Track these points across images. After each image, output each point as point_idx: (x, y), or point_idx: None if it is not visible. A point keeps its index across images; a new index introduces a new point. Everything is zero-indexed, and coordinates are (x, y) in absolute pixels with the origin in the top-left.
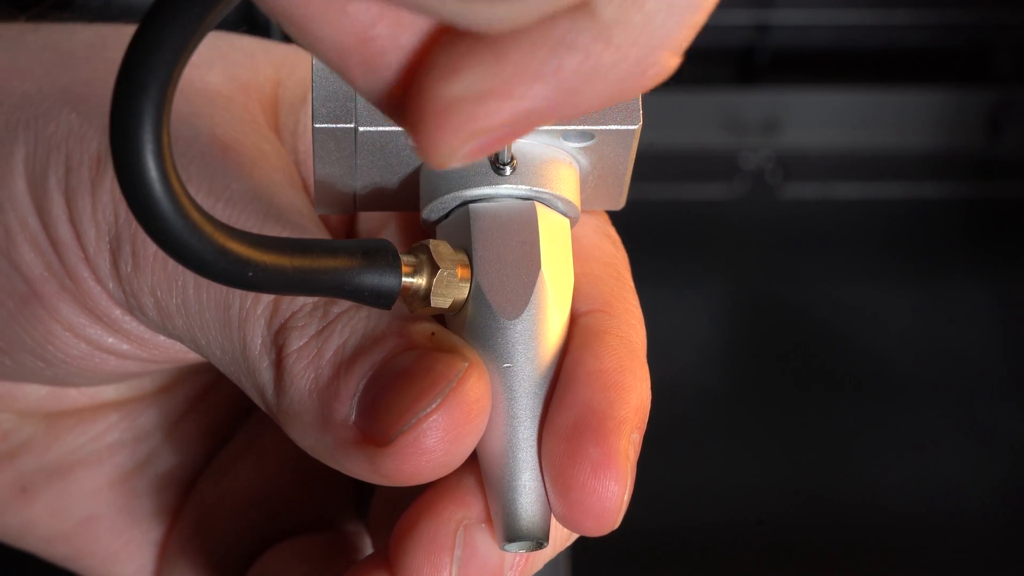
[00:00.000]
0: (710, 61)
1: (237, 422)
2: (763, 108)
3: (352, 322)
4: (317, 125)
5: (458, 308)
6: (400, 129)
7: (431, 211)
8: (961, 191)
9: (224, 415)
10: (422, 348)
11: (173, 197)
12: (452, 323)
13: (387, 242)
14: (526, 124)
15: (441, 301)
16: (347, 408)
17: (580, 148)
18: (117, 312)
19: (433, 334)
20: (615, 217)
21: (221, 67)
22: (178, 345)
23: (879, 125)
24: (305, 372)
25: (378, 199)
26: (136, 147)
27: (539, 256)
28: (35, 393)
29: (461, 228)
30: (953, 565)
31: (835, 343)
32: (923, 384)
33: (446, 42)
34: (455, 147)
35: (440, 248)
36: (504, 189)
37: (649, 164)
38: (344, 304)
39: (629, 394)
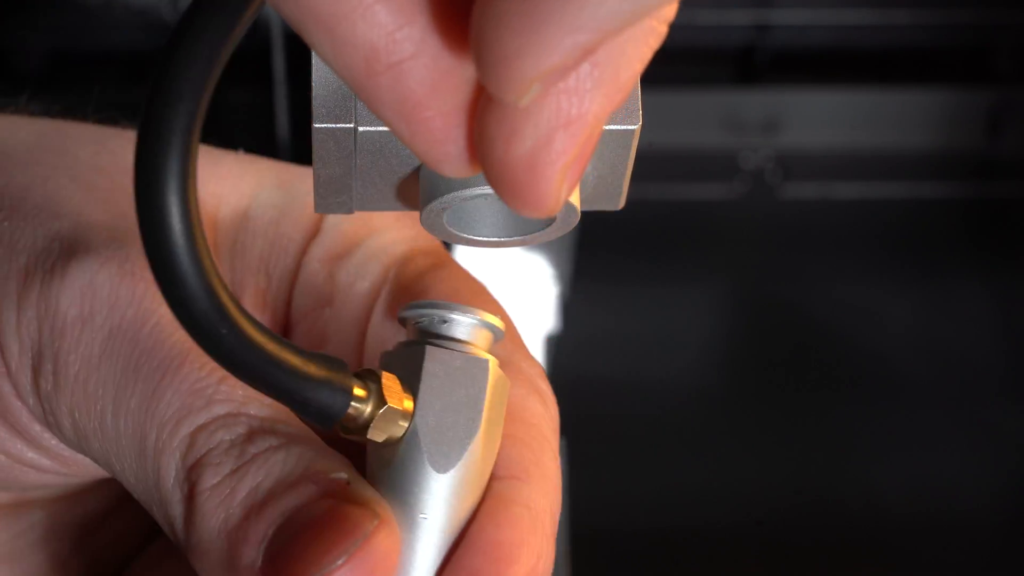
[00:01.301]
0: (710, 61)
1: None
2: (763, 108)
3: (268, 464)
4: (317, 125)
5: (387, 444)
6: None
7: (430, 212)
8: (961, 191)
9: (147, 518)
10: (335, 499)
11: (187, 216)
12: (375, 456)
13: (345, 363)
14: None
15: (377, 435)
16: (254, 552)
17: None
18: (37, 428)
19: (348, 483)
20: (615, 216)
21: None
22: (96, 465)
23: (879, 125)
24: (216, 512)
25: (378, 199)
26: (159, 156)
27: (481, 416)
28: None
29: (411, 365)
30: (953, 565)
31: (835, 343)
32: (923, 384)
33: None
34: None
35: (390, 382)
36: None
37: (649, 164)
38: (261, 444)
39: (518, 568)
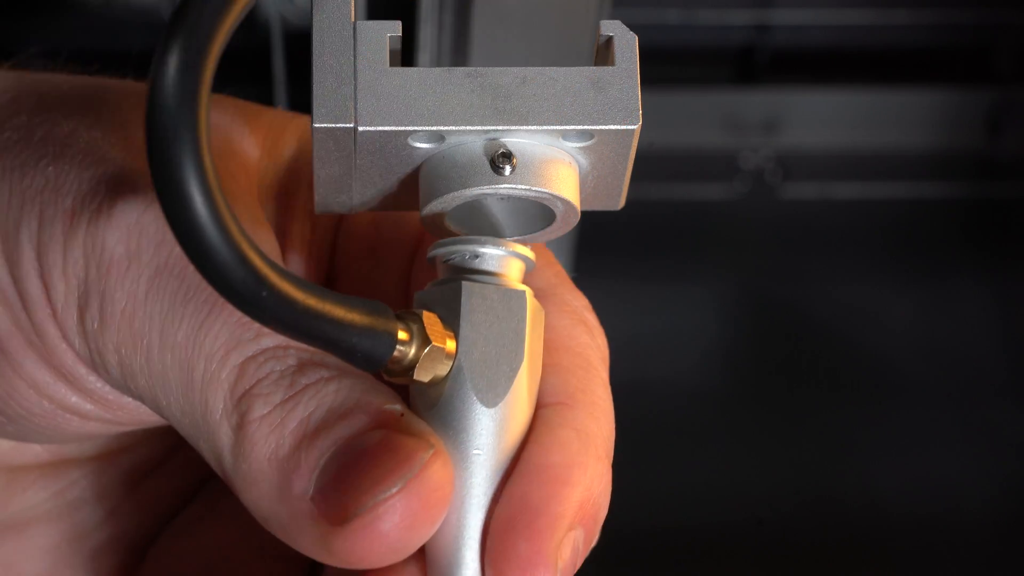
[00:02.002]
0: (710, 61)
1: (197, 487)
2: (763, 108)
3: (319, 395)
4: (316, 125)
5: (433, 385)
6: (399, 129)
7: (430, 211)
8: (961, 191)
9: (185, 479)
10: (388, 429)
11: (207, 190)
12: (420, 397)
13: (386, 306)
14: None
15: (424, 375)
16: (306, 482)
17: (579, 148)
18: (82, 370)
19: (402, 415)
20: (615, 216)
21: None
22: (142, 407)
23: (879, 125)
24: (266, 440)
25: (378, 199)
26: (175, 131)
27: (524, 347)
28: None
29: (450, 304)
30: (953, 565)
31: (835, 343)
32: (923, 384)
33: None
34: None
35: (431, 321)
36: (504, 188)
37: (649, 164)
38: (312, 375)
39: (572, 489)
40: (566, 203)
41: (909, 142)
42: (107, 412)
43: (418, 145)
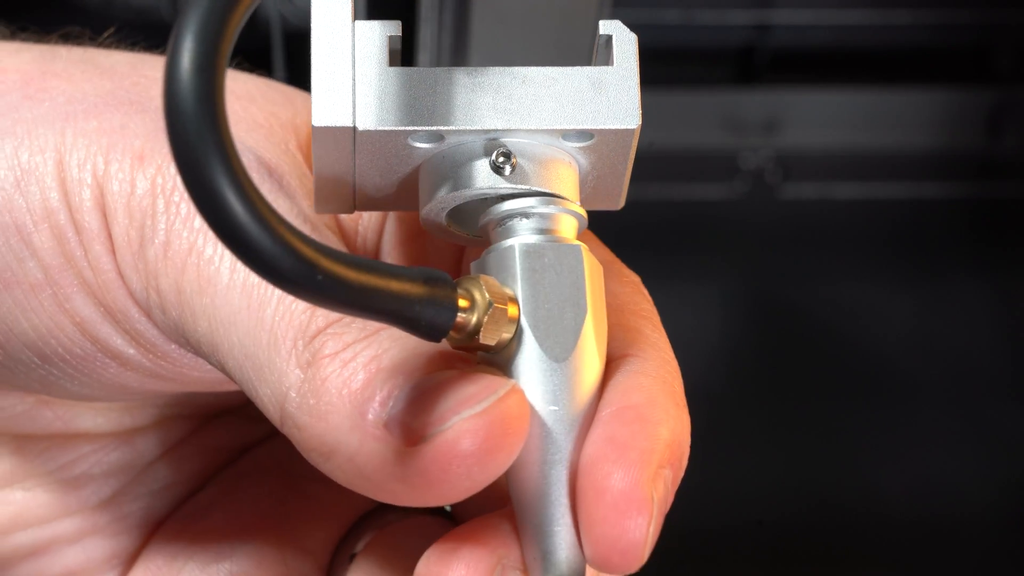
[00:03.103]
0: (710, 61)
1: (209, 475)
2: (763, 108)
3: (391, 337)
4: (316, 125)
5: (500, 348)
6: (399, 129)
7: (430, 211)
8: (961, 191)
9: (197, 467)
10: (465, 367)
11: (240, 187)
12: (489, 363)
13: (446, 274)
14: None
15: (490, 338)
16: (381, 409)
17: (579, 148)
18: (134, 310)
19: (477, 363)
20: (615, 216)
21: (261, 103)
22: (185, 357)
23: (879, 125)
24: (339, 374)
25: (377, 199)
26: (198, 129)
27: (586, 299)
28: (11, 409)
29: (506, 266)
30: (953, 565)
31: (835, 343)
32: (923, 384)
33: None
34: None
35: (491, 285)
36: (504, 188)
37: (649, 164)
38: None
39: (657, 427)
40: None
41: (909, 142)
42: (149, 360)
43: (418, 145)
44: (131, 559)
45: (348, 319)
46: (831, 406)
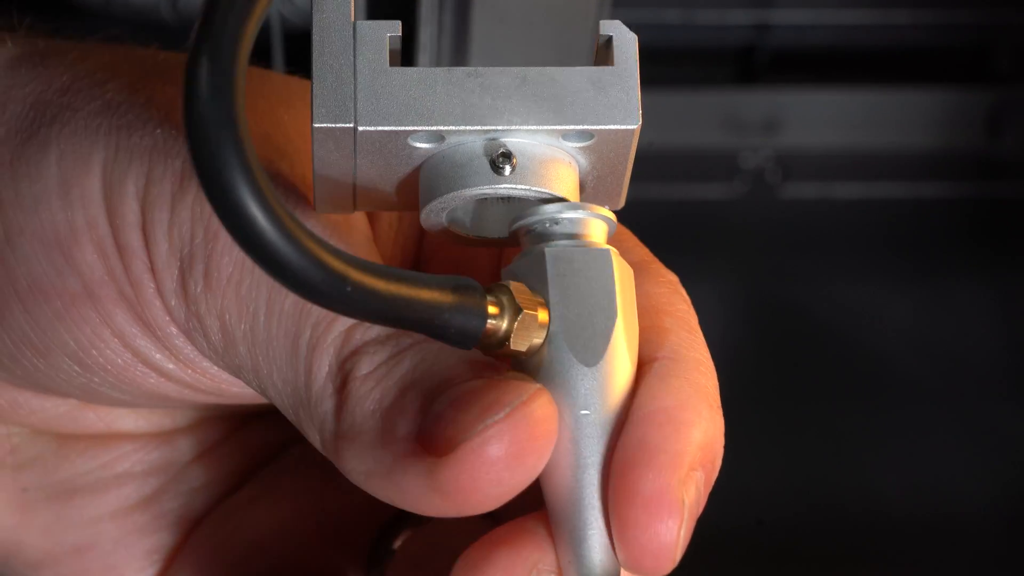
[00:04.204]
0: (710, 61)
1: (248, 474)
2: (763, 108)
3: (423, 351)
4: (316, 125)
5: (531, 353)
6: (399, 129)
7: (430, 211)
8: (961, 191)
9: (236, 465)
10: (492, 376)
11: (266, 204)
12: (522, 369)
13: (474, 281)
14: None
15: (520, 344)
16: (411, 423)
17: (579, 148)
18: (173, 330)
19: (507, 370)
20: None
21: (301, 106)
22: (224, 375)
23: (879, 125)
24: (371, 393)
25: (378, 199)
26: (222, 147)
27: (616, 303)
28: (54, 409)
29: (536, 272)
30: (954, 565)
31: (835, 343)
32: (923, 384)
33: None
34: None
35: (520, 291)
36: (504, 188)
37: (649, 164)
38: (416, 336)
39: (688, 429)
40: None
41: (909, 142)
42: (188, 375)
43: (418, 145)
44: (171, 556)
45: (383, 337)
46: (831, 406)
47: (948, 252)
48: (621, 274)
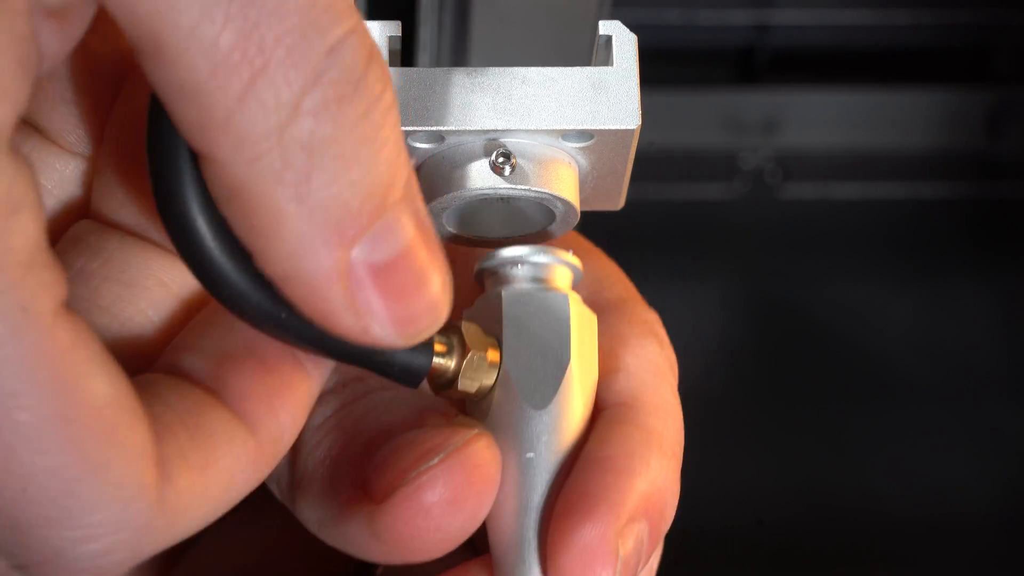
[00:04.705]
0: (710, 61)
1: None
2: (763, 108)
3: (375, 401)
4: None
5: (483, 395)
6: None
7: (430, 211)
8: (961, 191)
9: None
10: (438, 420)
11: (213, 219)
12: (474, 410)
13: None
14: None
15: (468, 385)
16: (355, 471)
17: (579, 148)
18: None
19: (455, 415)
20: (613, 217)
21: None
22: None
23: (879, 125)
24: (322, 442)
25: None
26: (178, 155)
27: (569, 348)
28: None
29: (492, 313)
30: (954, 565)
31: (835, 343)
32: (923, 384)
33: None
34: None
35: (471, 331)
36: (504, 189)
37: (649, 164)
38: (372, 385)
39: (631, 479)
40: (566, 203)
41: (909, 142)
42: None
43: (418, 145)
44: None
45: (335, 389)
46: (831, 406)
47: (948, 252)
48: (579, 319)
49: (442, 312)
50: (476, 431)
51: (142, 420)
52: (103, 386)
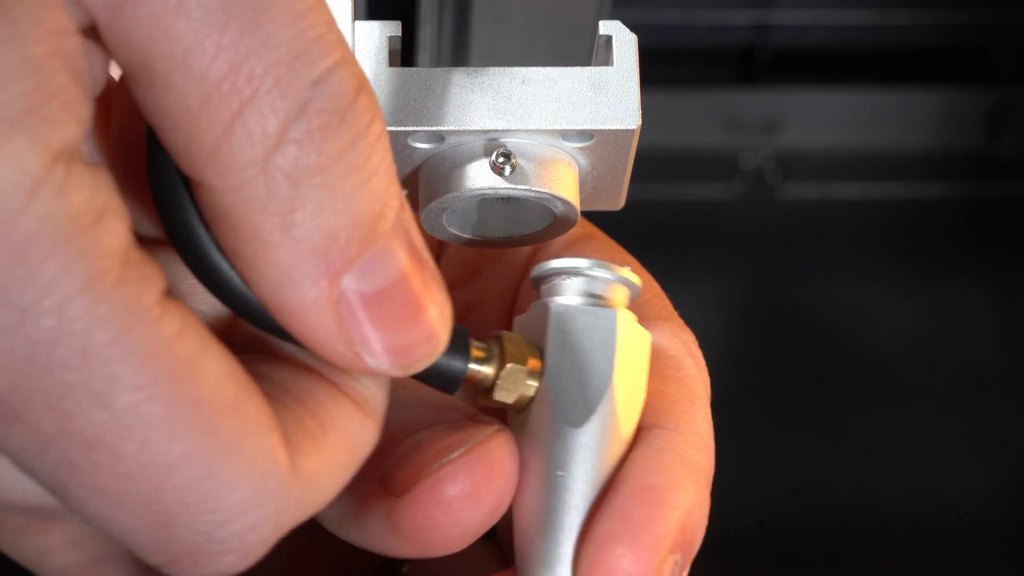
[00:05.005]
0: (710, 61)
1: None
2: (763, 108)
3: (401, 400)
4: None
5: (522, 406)
6: (399, 129)
7: (430, 212)
8: (961, 191)
9: None
10: (459, 418)
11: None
12: (514, 420)
13: (461, 325)
14: None
15: (505, 395)
16: (376, 466)
17: (579, 148)
18: None
19: (478, 415)
20: (613, 217)
21: None
22: None
23: (879, 125)
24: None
25: None
26: (172, 189)
27: (612, 368)
28: None
29: (538, 325)
30: (953, 565)
31: (835, 343)
32: (923, 384)
33: None
34: None
35: (513, 341)
36: (504, 189)
37: (649, 164)
38: (407, 390)
39: (674, 511)
40: (566, 203)
41: (909, 142)
42: None
43: (418, 145)
44: None
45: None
46: (831, 406)
47: (948, 252)
48: (628, 339)
49: (439, 342)
50: (496, 427)
51: (260, 395)
52: (219, 365)
